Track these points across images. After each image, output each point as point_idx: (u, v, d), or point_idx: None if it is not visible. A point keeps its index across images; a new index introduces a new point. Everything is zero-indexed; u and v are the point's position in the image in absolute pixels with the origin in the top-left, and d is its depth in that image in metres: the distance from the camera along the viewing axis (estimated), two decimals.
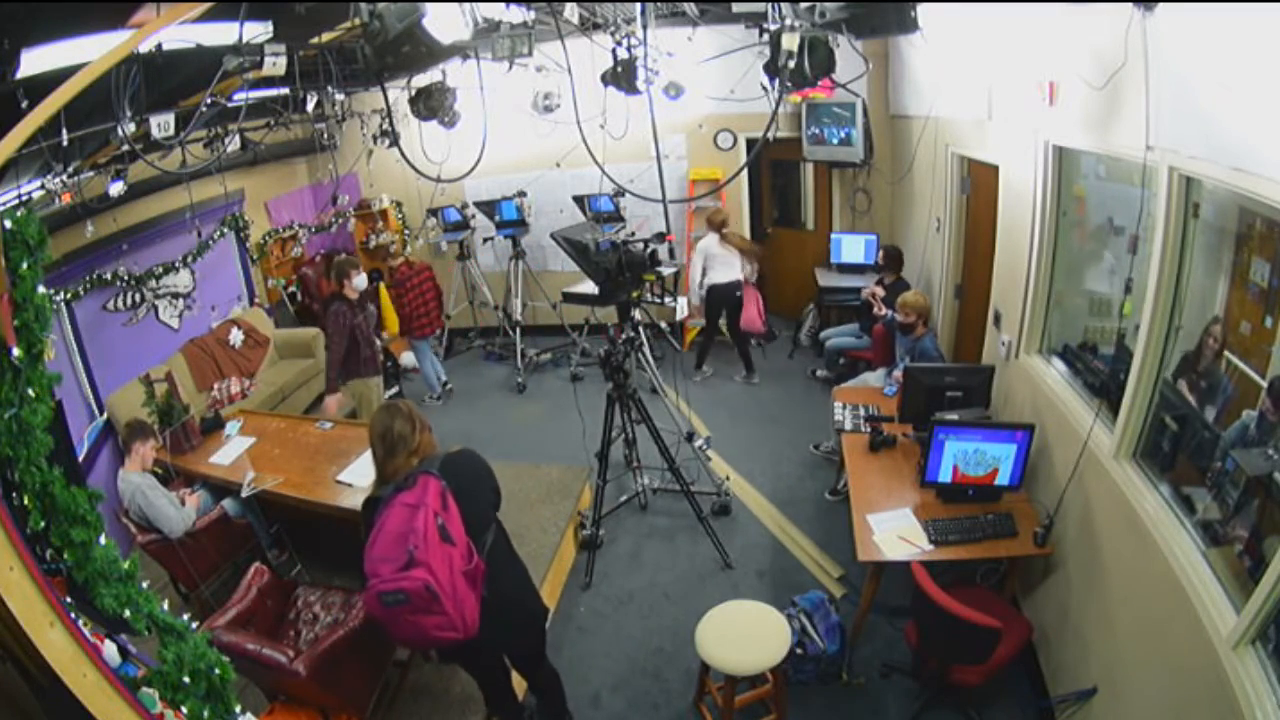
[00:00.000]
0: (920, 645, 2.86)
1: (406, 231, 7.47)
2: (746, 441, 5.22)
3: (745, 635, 2.70)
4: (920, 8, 3.44)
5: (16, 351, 1.60)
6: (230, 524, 3.82)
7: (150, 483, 3.56)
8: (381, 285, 6.19)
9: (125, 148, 3.28)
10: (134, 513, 3.50)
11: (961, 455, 3.12)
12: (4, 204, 2.97)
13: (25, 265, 1.65)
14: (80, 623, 1.56)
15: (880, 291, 4.95)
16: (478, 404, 6.30)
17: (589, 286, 4.06)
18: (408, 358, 6.53)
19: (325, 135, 5.97)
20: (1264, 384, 1.93)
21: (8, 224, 1.63)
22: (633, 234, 4.01)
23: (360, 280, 4.65)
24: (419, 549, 2.00)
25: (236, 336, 5.96)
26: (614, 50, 3.72)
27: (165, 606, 1.85)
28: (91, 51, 1.97)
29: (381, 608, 2.04)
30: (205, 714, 1.73)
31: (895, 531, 3.08)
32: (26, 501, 1.64)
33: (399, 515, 2.07)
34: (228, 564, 3.78)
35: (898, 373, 4.14)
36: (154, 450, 3.75)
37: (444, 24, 2.79)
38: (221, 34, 2.64)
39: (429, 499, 2.07)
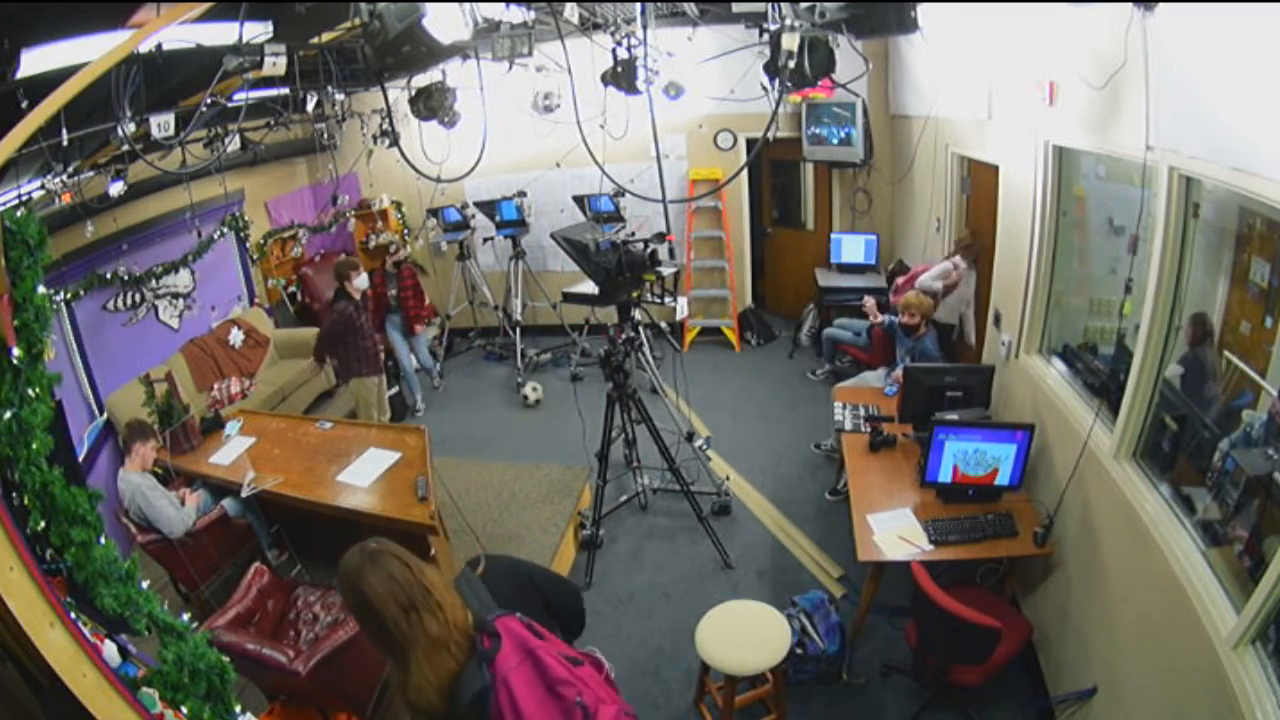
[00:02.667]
0: (920, 645, 2.86)
1: (406, 231, 7.47)
2: (746, 441, 5.22)
3: (745, 635, 2.70)
4: (920, 8, 3.44)
5: (16, 351, 1.61)
6: (230, 524, 3.82)
7: (150, 483, 3.56)
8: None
9: (125, 148, 3.28)
10: (134, 513, 3.50)
11: (961, 455, 3.12)
12: (4, 204, 2.96)
13: (25, 265, 1.65)
14: (80, 623, 1.56)
15: (874, 310, 4.79)
16: (478, 404, 6.30)
17: (589, 286, 4.06)
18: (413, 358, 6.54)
19: (325, 135, 5.97)
20: (1267, 385, 1.93)
21: (8, 224, 1.63)
22: (633, 234, 4.01)
23: (360, 281, 4.67)
24: (584, 694, 1.49)
25: (236, 336, 5.96)
26: (614, 50, 3.72)
27: (165, 606, 1.85)
28: (91, 51, 1.97)
29: None
30: (205, 714, 1.73)
31: (895, 531, 3.08)
32: (26, 501, 1.65)
33: (522, 680, 1.47)
34: (228, 564, 3.78)
35: (898, 373, 4.14)
36: (154, 450, 3.75)
37: (444, 24, 2.79)
38: (221, 34, 2.63)
39: (528, 640, 1.52)
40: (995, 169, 3.82)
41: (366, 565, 1.48)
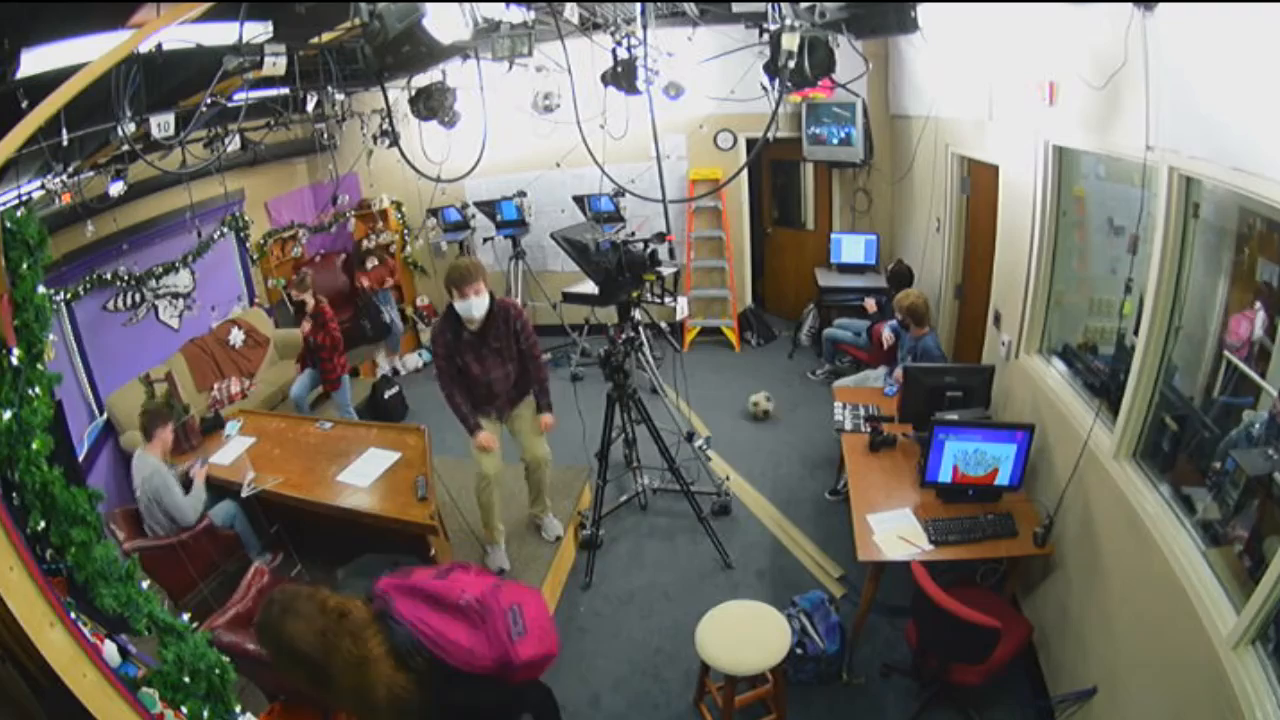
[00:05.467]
0: (920, 645, 2.86)
1: (406, 231, 7.47)
2: (746, 441, 5.22)
3: (745, 635, 2.70)
4: (920, 8, 3.44)
5: (16, 351, 1.61)
6: (216, 535, 3.71)
7: (166, 469, 3.57)
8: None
9: (125, 148, 3.27)
10: (146, 493, 3.47)
11: (961, 455, 3.12)
12: (4, 204, 2.96)
13: (25, 265, 1.65)
14: (80, 623, 1.56)
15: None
16: None
17: (589, 286, 4.06)
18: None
19: (325, 135, 5.96)
20: (1267, 386, 1.93)
21: (8, 224, 1.63)
22: (633, 234, 4.01)
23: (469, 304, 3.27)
24: (465, 590, 1.85)
25: (236, 336, 5.96)
26: (614, 50, 3.72)
27: (165, 606, 1.85)
28: (91, 51, 1.97)
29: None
30: (205, 714, 1.73)
31: (895, 531, 3.07)
32: (26, 501, 1.65)
33: (421, 612, 1.80)
34: (215, 577, 3.68)
35: (898, 372, 4.14)
36: (172, 434, 3.76)
37: (444, 24, 2.80)
38: (221, 34, 2.63)
39: (401, 581, 1.89)
40: (995, 169, 3.82)
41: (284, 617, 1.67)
